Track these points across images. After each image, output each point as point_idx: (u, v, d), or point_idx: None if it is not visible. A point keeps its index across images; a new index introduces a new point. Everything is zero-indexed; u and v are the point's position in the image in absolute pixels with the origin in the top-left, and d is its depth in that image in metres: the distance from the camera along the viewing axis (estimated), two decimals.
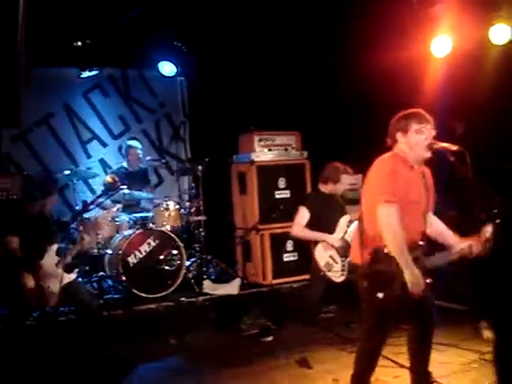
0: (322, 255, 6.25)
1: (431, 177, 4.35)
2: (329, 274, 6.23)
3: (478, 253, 4.11)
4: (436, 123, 4.21)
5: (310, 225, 6.40)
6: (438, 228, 4.40)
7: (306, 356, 5.88)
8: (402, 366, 5.30)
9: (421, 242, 4.16)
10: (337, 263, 6.26)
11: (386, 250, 3.96)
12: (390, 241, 3.96)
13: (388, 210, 3.96)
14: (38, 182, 6.29)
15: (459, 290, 6.80)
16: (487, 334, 5.78)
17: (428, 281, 4.08)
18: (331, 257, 6.24)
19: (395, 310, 4.05)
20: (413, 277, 3.90)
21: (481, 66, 6.91)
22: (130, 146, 8.29)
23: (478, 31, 6.88)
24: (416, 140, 4.11)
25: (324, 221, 6.34)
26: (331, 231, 6.31)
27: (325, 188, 6.52)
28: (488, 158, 6.05)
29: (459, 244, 4.21)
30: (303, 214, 6.43)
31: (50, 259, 5.71)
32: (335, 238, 6.29)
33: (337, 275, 6.24)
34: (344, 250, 6.20)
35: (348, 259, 6.15)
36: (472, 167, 3.95)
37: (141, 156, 8.33)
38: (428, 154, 4.14)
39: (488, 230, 4.07)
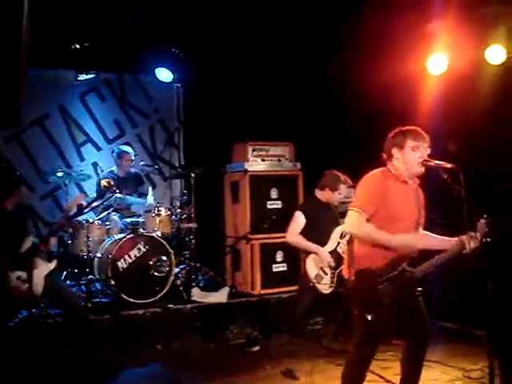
0: (313, 267, 6.24)
1: (423, 194, 4.40)
2: (318, 285, 6.22)
3: (474, 247, 4.08)
4: (430, 141, 4.25)
5: (304, 231, 6.34)
6: (429, 239, 4.40)
7: (292, 367, 5.89)
8: (387, 382, 5.32)
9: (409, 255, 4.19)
10: (326, 275, 6.24)
11: (370, 269, 4.03)
12: (370, 237, 4.08)
13: (358, 216, 4.07)
14: None
15: (447, 308, 6.84)
16: None
17: (419, 289, 4.13)
18: (321, 268, 6.23)
19: (384, 325, 4.07)
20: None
21: (476, 85, 6.96)
22: (123, 151, 8.27)
23: (474, 50, 6.93)
24: (410, 157, 4.17)
25: (317, 228, 6.27)
26: (324, 240, 6.27)
27: (321, 195, 6.45)
28: (481, 178, 6.08)
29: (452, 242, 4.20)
30: (299, 220, 6.32)
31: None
32: (327, 255, 6.21)
33: (325, 287, 6.23)
34: (335, 263, 6.19)
35: (337, 271, 6.16)
36: (465, 186, 3.97)
37: (133, 162, 8.34)
38: (421, 170, 4.19)
39: (482, 223, 4.05)
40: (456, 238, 4.13)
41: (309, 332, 7.20)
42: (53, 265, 5.79)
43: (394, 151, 4.23)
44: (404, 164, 4.21)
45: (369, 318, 3.99)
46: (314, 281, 6.20)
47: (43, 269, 5.64)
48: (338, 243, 6.27)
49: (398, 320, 4.12)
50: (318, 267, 6.23)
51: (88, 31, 8.08)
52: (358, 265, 4.15)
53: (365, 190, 4.23)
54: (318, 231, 6.27)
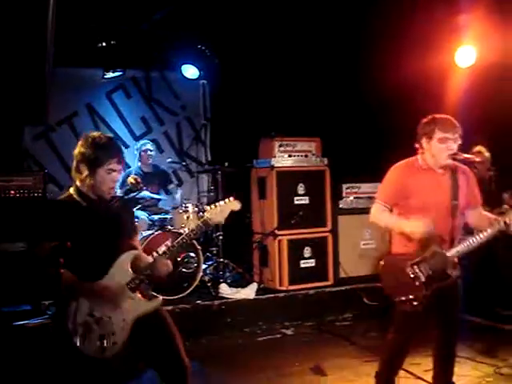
0: None
1: (466, 178, 4.26)
2: None
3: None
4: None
5: None
6: (480, 216, 4.29)
7: (320, 363, 5.86)
8: (418, 378, 5.27)
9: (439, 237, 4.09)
10: None
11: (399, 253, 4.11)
12: (382, 223, 4.24)
13: (375, 206, 4.24)
14: None
15: (477, 302, 6.76)
16: None
17: (454, 273, 4.06)
18: None
19: (421, 312, 4.02)
20: (409, 226, 3.99)
21: (505, 77, 6.86)
22: (142, 147, 8.39)
23: (502, 42, 6.83)
24: (438, 149, 4.10)
25: None
26: None
27: None
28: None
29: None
30: None
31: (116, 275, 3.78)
32: None
33: None
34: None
35: None
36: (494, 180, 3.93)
37: (152, 157, 8.39)
38: (448, 161, 4.12)
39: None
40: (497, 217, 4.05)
41: (337, 328, 7.16)
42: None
43: (424, 141, 4.18)
44: (431, 155, 4.15)
45: (403, 298, 3.97)
46: None
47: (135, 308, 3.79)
48: None
49: (431, 308, 4.07)
50: None
51: (114, 29, 8.14)
52: (392, 250, 4.26)
53: (384, 182, 4.32)
54: None
